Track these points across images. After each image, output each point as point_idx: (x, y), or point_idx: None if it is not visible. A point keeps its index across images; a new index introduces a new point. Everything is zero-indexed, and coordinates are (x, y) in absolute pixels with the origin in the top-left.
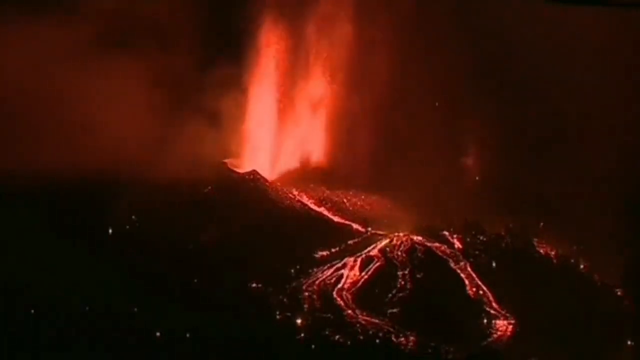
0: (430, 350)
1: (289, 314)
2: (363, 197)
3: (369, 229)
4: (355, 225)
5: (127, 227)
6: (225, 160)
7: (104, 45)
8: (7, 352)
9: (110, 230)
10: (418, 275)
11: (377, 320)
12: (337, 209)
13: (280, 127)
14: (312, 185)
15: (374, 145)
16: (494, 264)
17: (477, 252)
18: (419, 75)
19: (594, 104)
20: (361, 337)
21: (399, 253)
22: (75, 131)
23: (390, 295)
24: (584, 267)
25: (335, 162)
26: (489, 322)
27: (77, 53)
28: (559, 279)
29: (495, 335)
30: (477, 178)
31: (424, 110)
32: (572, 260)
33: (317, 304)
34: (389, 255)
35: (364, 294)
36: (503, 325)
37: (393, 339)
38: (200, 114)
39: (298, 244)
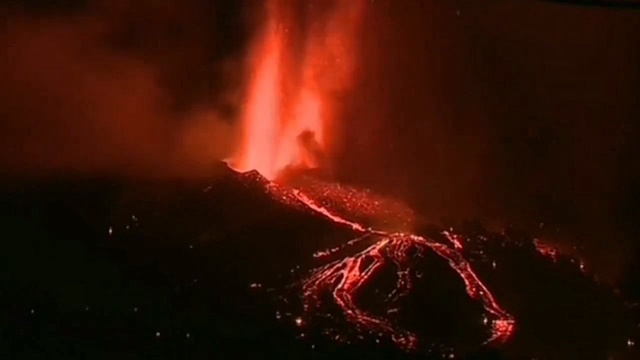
0: (430, 350)
1: (289, 314)
2: (363, 197)
3: (369, 229)
4: (355, 225)
5: (127, 227)
6: (225, 160)
7: (103, 45)
8: (7, 352)
9: (110, 230)
10: (418, 275)
11: (377, 320)
12: (337, 209)
13: (281, 126)
14: (312, 185)
15: (375, 145)
16: (494, 264)
17: (477, 252)
18: (419, 75)
19: (594, 104)
20: (361, 337)
21: (399, 253)
22: (75, 131)
23: (390, 295)
24: (584, 267)
25: (335, 162)
26: (489, 322)
27: (76, 53)
28: (559, 279)
29: (495, 335)
30: (477, 178)
31: (425, 110)
32: (572, 260)
33: (317, 304)
34: (389, 255)
35: (364, 294)
36: (503, 325)
37: (393, 339)
38: (200, 114)
39: (298, 244)
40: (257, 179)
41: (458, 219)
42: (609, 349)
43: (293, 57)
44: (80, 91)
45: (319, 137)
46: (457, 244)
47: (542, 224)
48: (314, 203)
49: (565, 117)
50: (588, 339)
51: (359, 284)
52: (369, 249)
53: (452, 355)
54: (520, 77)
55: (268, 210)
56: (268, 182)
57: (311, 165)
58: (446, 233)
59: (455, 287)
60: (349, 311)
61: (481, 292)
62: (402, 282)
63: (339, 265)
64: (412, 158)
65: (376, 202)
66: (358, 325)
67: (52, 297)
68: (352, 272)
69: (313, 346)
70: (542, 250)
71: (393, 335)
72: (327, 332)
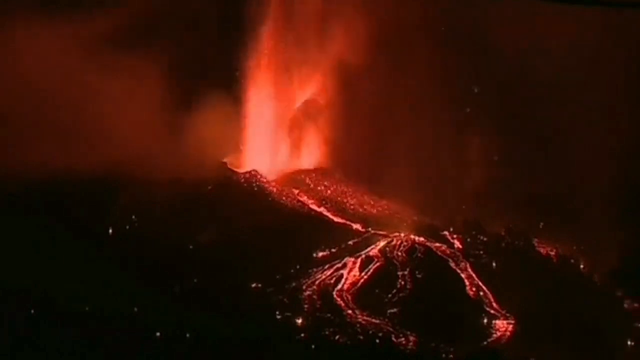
0: (430, 351)
1: (289, 314)
2: (363, 197)
3: (369, 229)
4: (355, 225)
5: (127, 227)
6: (225, 160)
7: (103, 45)
8: (7, 352)
9: (110, 230)
10: (418, 275)
11: (377, 320)
12: (337, 209)
13: (281, 126)
14: (312, 185)
15: (375, 145)
16: (494, 264)
17: (477, 252)
18: (420, 75)
19: (594, 104)
20: (361, 337)
21: (399, 253)
22: (74, 131)
23: (390, 295)
24: (584, 267)
25: (335, 162)
26: (489, 322)
27: (75, 53)
28: (559, 279)
29: (495, 335)
30: (477, 177)
31: (425, 110)
32: (572, 260)
33: (317, 304)
34: (389, 255)
35: (364, 294)
36: (503, 325)
37: (393, 339)
38: (200, 114)
39: (298, 244)
40: (257, 179)
41: (458, 219)
42: (609, 349)
43: (293, 57)
44: (79, 91)
45: (319, 138)
46: (457, 244)
47: (542, 224)
48: (314, 203)
49: (566, 117)
50: (588, 339)
51: (359, 284)
52: (369, 249)
53: (452, 355)
54: (520, 77)
55: (268, 210)
56: (268, 182)
57: (311, 165)
58: (446, 233)
59: (455, 287)
60: (349, 311)
61: (481, 292)
62: (402, 282)
63: (339, 265)
64: (412, 158)
65: (376, 202)
66: (358, 325)
67: (52, 297)
68: (352, 272)
69: (313, 346)
70: (542, 250)
71: (393, 335)
72: (327, 332)
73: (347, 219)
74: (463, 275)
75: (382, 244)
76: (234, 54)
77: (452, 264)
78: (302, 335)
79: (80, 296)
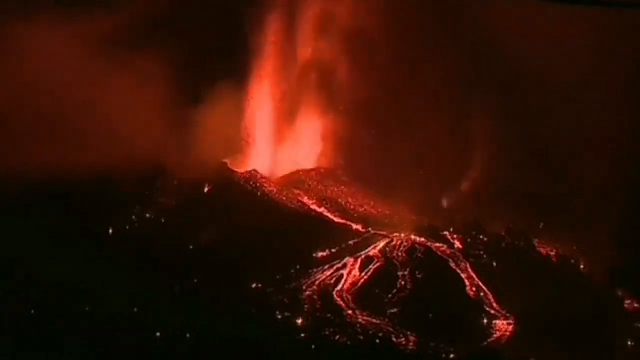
0: (430, 351)
1: (288, 314)
2: (363, 197)
3: (369, 229)
4: (355, 225)
5: (127, 227)
6: (225, 160)
7: (102, 46)
8: (7, 352)
9: (110, 230)
10: (418, 275)
11: (377, 320)
12: (337, 209)
13: (281, 126)
14: (312, 185)
15: (375, 146)
16: (494, 264)
17: (477, 252)
18: (420, 77)
19: (595, 103)
20: (361, 337)
21: (399, 253)
22: (74, 131)
23: (390, 295)
24: (584, 267)
25: (335, 162)
26: (489, 322)
27: (75, 53)
28: (559, 279)
29: (495, 335)
30: (477, 178)
31: (425, 111)
32: (572, 260)
33: (317, 304)
34: (389, 255)
35: (364, 294)
36: (503, 325)
37: (393, 339)
38: (200, 114)
39: (298, 244)
40: (257, 179)
41: (458, 219)
42: (609, 349)
43: (293, 57)
44: (79, 92)
45: (319, 138)
46: (457, 244)
47: (542, 224)
48: (314, 203)
49: (566, 117)
50: (588, 339)
51: (359, 284)
52: (369, 249)
53: (452, 355)
54: (520, 78)
55: (268, 210)
56: (268, 182)
57: (311, 165)
58: (446, 233)
59: (455, 287)
60: (349, 311)
61: (481, 292)
62: (402, 282)
63: (339, 265)
64: (412, 158)
65: (376, 202)
66: (358, 325)
67: (53, 297)
68: (352, 272)
69: (313, 346)
70: (542, 250)
71: (393, 335)
72: (327, 332)
73: (347, 219)
74: (463, 275)
75: (382, 244)
76: (236, 53)
77: (452, 264)
78: (302, 335)
79: (80, 296)
